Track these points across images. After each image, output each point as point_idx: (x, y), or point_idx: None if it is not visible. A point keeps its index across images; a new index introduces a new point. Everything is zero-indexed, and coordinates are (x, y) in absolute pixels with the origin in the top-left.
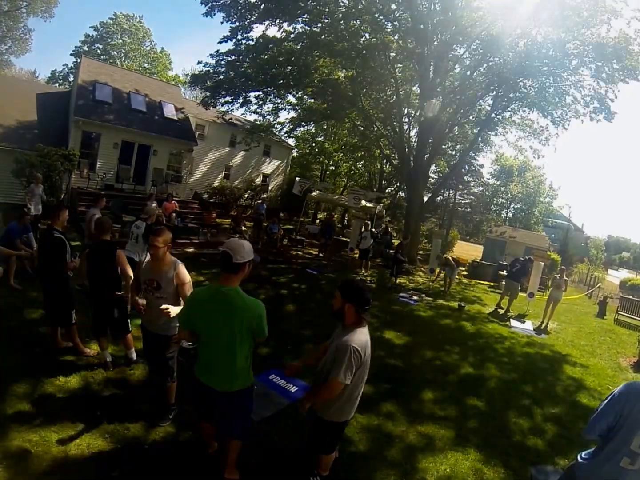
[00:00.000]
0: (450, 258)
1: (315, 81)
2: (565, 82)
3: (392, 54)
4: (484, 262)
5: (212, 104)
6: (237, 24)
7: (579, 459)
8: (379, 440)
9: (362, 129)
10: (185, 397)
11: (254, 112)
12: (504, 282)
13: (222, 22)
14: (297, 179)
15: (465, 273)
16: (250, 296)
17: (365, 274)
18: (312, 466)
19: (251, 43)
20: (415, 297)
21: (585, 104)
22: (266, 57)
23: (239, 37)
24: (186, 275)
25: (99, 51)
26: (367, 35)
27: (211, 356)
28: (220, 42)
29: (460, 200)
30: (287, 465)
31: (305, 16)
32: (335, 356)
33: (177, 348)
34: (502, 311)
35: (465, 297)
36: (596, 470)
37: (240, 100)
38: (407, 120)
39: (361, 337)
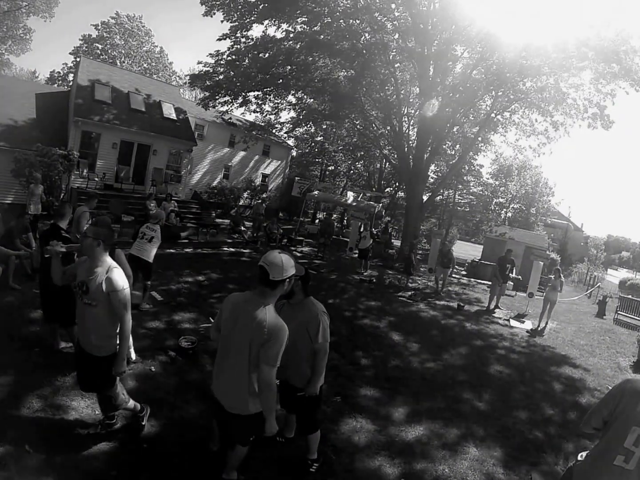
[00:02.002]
0: (452, 251)
1: (315, 81)
2: (565, 83)
3: (392, 54)
4: (483, 261)
5: (211, 104)
6: (236, 23)
7: (579, 458)
8: (378, 440)
9: (361, 128)
10: (184, 395)
11: (254, 111)
12: None
13: (222, 21)
14: (297, 178)
15: (464, 272)
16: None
17: (365, 273)
18: (306, 458)
19: (251, 42)
20: (414, 297)
21: (585, 109)
22: (266, 56)
23: (239, 35)
24: (119, 282)
25: (98, 51)
26: (366, 35)
27: (222, 371)
28: (219, 40)
29: (459, 200)
30: (286, 461)
31: (304, 17)
32: (309, 328)
33: (122, 374)
34: (499, 311)
35: (465, 297)
36: (591, 469)
37: (240, 100)
38: (406, 120)
39: (317, 303)
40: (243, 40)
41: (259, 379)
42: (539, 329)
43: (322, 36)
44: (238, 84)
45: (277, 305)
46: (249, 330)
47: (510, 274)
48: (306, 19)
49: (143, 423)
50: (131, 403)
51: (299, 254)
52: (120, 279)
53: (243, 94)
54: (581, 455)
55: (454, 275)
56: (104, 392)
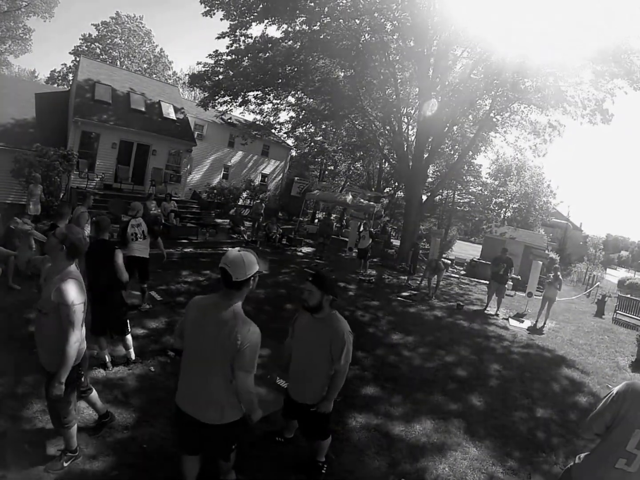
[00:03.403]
0: (441, 262)
1: (315, 81)
2: (564, 82)
3: (391, 54)
4: (482, 261)
5: (211, 104)
6: (236, 21)
7: (577, 460)
8: (378, 439)
9: (360, 128)
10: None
11: (253, 111)
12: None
13: (221, 19)
14: (296, 178)
15: (463, 272)
16: (248, 318)
17: (364, 273)
18: (316, 460)
19: (250, 42)
20: (414, 297)
21: (584, 106)
22: (265, 56)
23: (238, 34)
24: (69, 295)
25: (98, 50)
26: (366, 35)
27: (192, 379)
28: (218, 38)
29: (459, 200)
30: (285, 461)
31: (304, 16)
32: (333, 346)
33: (57, 397)
34: (496, 311)
35: (464, 297)
36: (592, 472)
37: (239, 100)
38: (405, 119)
39: (343, 320)
40: (242, 39)
41: (237, 386)
42: (538, 327)
43: (321, 36)
44: (237, 83)
45: (301, 318)
46: (221, 336)
47: (508, 274)
48: (305, 19)
49: (64, 464)
50: (74, 433)
51: (299, 254)
52: (72, 292)
53: (242, 93)
54: (579, 457)
55: (453, 275)
56: (53, 408)
